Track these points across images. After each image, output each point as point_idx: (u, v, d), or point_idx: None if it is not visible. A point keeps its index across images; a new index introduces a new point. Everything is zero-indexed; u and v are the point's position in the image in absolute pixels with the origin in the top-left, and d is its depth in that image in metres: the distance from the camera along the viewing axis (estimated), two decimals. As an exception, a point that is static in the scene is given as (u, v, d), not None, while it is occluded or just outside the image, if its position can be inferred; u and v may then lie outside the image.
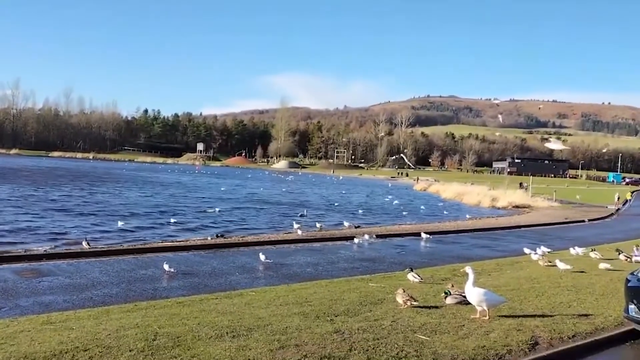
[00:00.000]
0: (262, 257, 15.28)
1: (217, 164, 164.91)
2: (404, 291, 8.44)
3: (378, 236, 22.42)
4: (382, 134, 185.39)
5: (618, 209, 51.10)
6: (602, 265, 10.01)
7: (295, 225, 25.29)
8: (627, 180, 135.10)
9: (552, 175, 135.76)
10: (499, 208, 49.00)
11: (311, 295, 9.97)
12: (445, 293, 8.77)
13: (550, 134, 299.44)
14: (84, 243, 16.93)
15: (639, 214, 47.35)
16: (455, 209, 43.57)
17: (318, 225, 26.27)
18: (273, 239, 20.75)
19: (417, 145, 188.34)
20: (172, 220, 26.09)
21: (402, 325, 7.00)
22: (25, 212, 26.91)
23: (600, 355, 6.53)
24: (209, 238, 20.62)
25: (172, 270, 13.32)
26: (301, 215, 31.93)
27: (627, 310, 7.36)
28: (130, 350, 6.01)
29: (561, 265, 13.27)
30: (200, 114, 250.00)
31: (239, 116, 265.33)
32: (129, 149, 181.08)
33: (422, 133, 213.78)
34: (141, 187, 51.80)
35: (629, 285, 7.46)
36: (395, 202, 48.75)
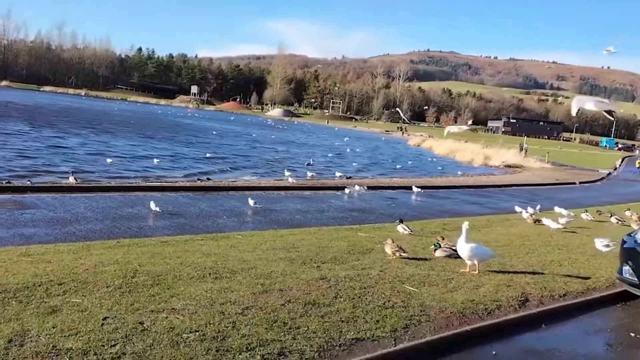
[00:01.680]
0: (251, 202, 15.05)
1: (211, 108, 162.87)
2: (393, 242, 8.25)
3: (369, 187, 22.21)
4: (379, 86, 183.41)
5: (609, 173, 51.20)
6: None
7: (287, 173, 25.05)
8: (620, 146, 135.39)
9: (546, 137, 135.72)
10: (491, 166, 48.88)
11: (298, 241, 9.79)
12: (435, 245, 8.60)
13: (547, 96, 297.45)
14: (71, 178, 16.61)
15: (628, 179, 47.52)
16: (448, 166, 43.40)
17: (309, 174, 26.03)
18: (263, 185, 20.52)
19: (414, 100, 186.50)
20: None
21: (390, 275, 6.83)
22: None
23: (591, 315, 6.42)
24: (198, 180, 20.33)
25: (158, 209, 13.08)
26: (308, 164, 31.71)
27: (620, 271, 7.23)
28: (107, 287, 5.80)
29: (552, 224, 13.15)
30: (196, 56, 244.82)
31: (235, 60, 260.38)
32: (122, 88, 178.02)
33: (420, 88, 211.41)
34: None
35: (624, 246, 7.31)
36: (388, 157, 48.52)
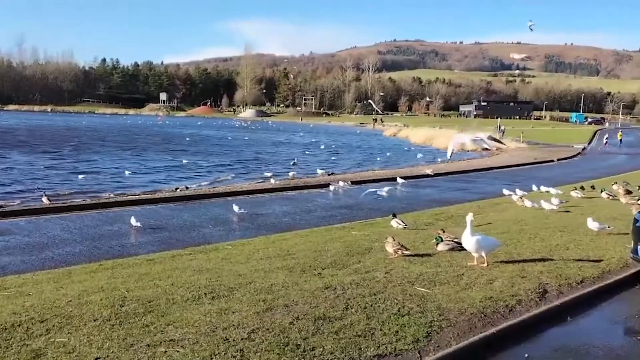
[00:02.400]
0: (235, 207, 14.54)
1: (182, 114, 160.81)
2: (394, 239, 7.84)
3: (353, 182, 21.86)
4: (350, 79, 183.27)
5: (584, 148, 51.77)
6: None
7: (268, 174, 24.54)
8: (590, 120, 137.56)
9: (518, 117, 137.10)
10: (468, 151, 48.96)
11: (293, 247, 9.33)
12: (437, 239, 8.21)
13: (515, 76, 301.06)
14: (44, 198, 15.85)
15: (603, 153, 48.13)
16: (426, 153, 43.31)
17: (291, 173, 25.57)
18: (245, 189, 19.97)
19: (385, 90, 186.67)
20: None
21: (397, 277, 6.41)
22: None
23: (613, 302, 6.09)
24: (177, 189, 19.69)
25: (139, 224, 12.50)
26: (293, 164, 31.26)
27: (635, 251, 6.94)
28: (94, 320, 5.25)
29: (546, 205, 12.93)
30: (162, 63, 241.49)
31: (203, 64, 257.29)
32: (89, 101, 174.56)
33: (390, 78, 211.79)
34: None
35: (637, 225, 7.03)
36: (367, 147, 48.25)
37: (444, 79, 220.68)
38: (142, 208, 15.76)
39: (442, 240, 8.22)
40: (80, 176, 23.10)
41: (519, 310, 5.18)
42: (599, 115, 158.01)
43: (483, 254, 7.05)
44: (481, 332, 4.80)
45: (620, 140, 58.52)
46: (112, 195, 18.51)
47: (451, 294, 5.65)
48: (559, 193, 15.97)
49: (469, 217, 7.39)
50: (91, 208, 15.34)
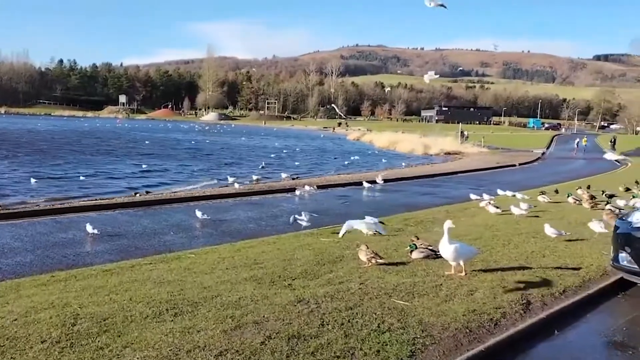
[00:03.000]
0: (198, 213, 13.96)
1: (142, 117, 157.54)
2: (367, 247, 7.49)
3: (319, 187, 21.49)
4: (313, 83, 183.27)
5: (543, 153, 52.89)
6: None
7: (230, 179, 23.93)
8: (547, 125, 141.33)
9: (478, 122, 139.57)
10: (432, 155, 49.41)
11: (260, 255, 8.88)
12: (411, 247, 7.91)
13: (474, 83, 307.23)
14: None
15: (561, 157, 49.24)
16: (391, 157, 43.36)
17: (254, 177, 25.03)
18: (208, 194, 19.34)
19: (348, 95, 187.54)
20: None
21: (373, 288, 6.04)
22: None
23: (598, 312, 5.86)
24: (136, 195, 18.91)
25: (96, 231, 11.81)
26: (262, 167, 30.74)
27: (616, 259, 6.77)
28: (42, 342, 4.70)
29: (516, 211, 12.84)
30: (121, 65, 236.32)
31: (163, 66, 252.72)
32: (45, 102, 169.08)
33: (353, 83, 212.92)
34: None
35: (618, 232, 6.86)
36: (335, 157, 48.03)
37: (406, 84, 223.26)
38: (99, 214, 15.00)
39: (416, 248, 7.91)
40: (32, 180, 22.00)
41: (505, 324, 4.89)
42: (555, 121, 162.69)
43: (461, 263, 6.77)
44: (468, 350, 4.47)
45: (585, 145, 60.15)
46: (69, 200, 17.62)
47: (432, 306, 5.31)
48: (525, 198, 16.00)
49: (447, 225, 7.09)
50: (44, 214, 14.50)
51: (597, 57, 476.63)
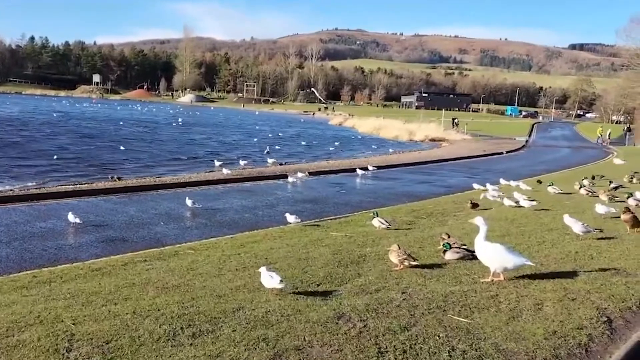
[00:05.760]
0: (188, 201, 12.96)
1: (117, 97, 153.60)
2: (399, 247, 6.60)
3: (310, 173, 20.60)
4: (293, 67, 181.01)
5: (527, 141, 52.64)
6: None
7: (217, 163, 22.83)
8: (524, 113, 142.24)
9: (457, 109, 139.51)
10: (417, 141, 48.79)
11: (269, 252, 7.96)
12: (445, 246, 7.04)
13: (453, 69, 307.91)
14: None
15: (546, 145, 49.06)
16: (376, 143, 42.53)
17: (242, 162, 23.96)
18: (195, 180, 18.27)
19: (328, 79, 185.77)
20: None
21: (419, 299, 5.15)
22: None
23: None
24: (111, 178, 17.62)
25: (78, 220, 10.77)
26: (267, 152, 29.52)
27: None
28: (29, 377, 3.71)
29: (526, 204, 12.10)
30: (95, 43, 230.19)
31: (138, 46, 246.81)
32: (16, 81, 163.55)
33: (332, 67, 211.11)
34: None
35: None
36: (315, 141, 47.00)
37: (385, 70, 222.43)
38: (80, 200, 13.88)
39: (450, 247, 7.05)
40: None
41: (597, 350, 4.04)
42: (532, 109, 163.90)
43: (507, 270, 5.90)
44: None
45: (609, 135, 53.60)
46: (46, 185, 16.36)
47: (500, 325, 4.45)
48: (527, 189, 15.34)
49: (481, 222, 6.18)
50: (20, 200, 13.34)
51: (573, 46, 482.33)
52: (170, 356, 3.94)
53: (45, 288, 6.25)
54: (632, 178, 17.51)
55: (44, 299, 5.65)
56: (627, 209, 9.33)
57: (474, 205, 12.11)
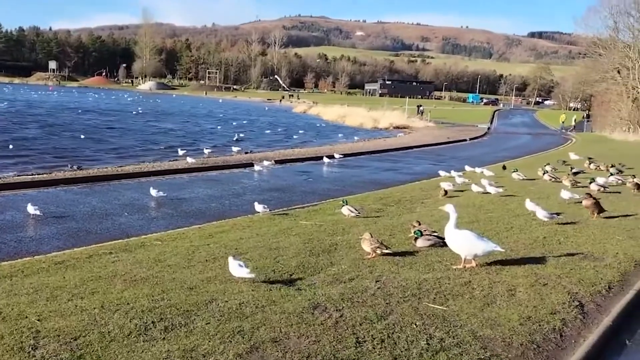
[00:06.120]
0: (153, 191, 12.66)
1: (74, 84, 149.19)
2: (372, 236, 6.58)
3: (277, 162, 20.45)
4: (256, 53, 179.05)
5: (489, 128, 53.61)
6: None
7: (181, 152, 22.41)
8: (485, 100, 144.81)
9: (420, 97, 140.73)
10: (381, 129, 49.03)
11: (239, 242, 7.83)
12: (416, 234, 7.06)
13: (415, 57, 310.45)
14: None
15: (508, 132, 50.05)
16: (341, 131, 42.54)
17: (206, 151, 23.57)
18: (159, 169, 17.86)
19: (291, 66, 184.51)
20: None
21: (394, 287, 5.14)
22: None
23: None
24: (71, 167, 17.13)
25: (38, 212, 10.39)
26: (237, 140, 29.09)
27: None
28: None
29: (492, 190, 12.29)
30: (50, 29, 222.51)
31: (96, 32, 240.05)
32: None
33: (296, 54, 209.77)
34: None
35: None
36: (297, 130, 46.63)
37: (349, 57, 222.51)
38: (39, 191, 13.41)
39: (421, 235, 7.08)
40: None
41: (570, 335, 4.10)
42: (493, 97, 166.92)
43: (477, 257, 5.96)
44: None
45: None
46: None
47: (475, 312, 4.47)
48: (491, 175, 15.58)
49: (451, 209, 6.24)
50: (-27, 192, 12.76)
51: (532, 34, 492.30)
52: (142, 351, 3.81)
53: (6, 283, 5.98)
54: (590, 163, 18.01)
55: (5, 295, 5.41)
56: (589, 195, 9.58)
57: (446, 193, 12.22)
